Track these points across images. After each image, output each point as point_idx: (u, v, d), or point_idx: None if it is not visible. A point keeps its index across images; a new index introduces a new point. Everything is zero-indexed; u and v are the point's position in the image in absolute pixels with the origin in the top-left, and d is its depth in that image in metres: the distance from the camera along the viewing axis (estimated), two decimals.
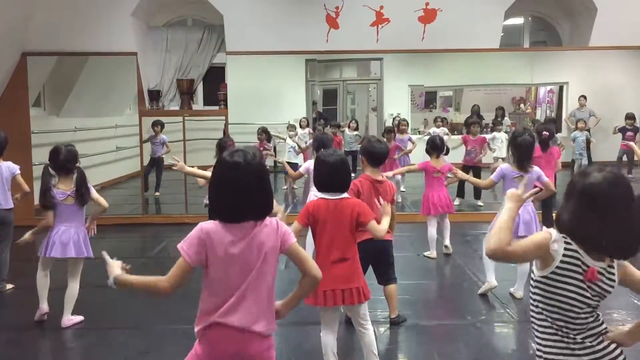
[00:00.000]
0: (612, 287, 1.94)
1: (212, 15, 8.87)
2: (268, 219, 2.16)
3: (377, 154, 3.90)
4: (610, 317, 4.38)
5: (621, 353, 1.97)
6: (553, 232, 1.95)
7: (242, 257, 2.10)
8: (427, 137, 6.75)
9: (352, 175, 4.18)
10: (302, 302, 4.15)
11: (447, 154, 6.41)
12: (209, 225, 2.11)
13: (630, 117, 9.26)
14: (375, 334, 4.05)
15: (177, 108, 8.85)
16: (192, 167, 4.92)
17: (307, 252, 5.67)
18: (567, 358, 1.95)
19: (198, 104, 10.01)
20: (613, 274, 1.95)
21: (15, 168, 5.10)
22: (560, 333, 1.96)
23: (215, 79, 9.32)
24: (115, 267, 2.18)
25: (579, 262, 1.90)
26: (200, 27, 9.20)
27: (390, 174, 4.90)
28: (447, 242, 6.14)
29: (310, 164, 5.46)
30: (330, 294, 3.14)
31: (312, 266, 2.22)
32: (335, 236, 3.15)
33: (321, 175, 3.24)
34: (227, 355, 2.10)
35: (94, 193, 4.43)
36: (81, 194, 4.28)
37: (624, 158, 9.63)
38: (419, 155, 9.36)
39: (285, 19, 8.53)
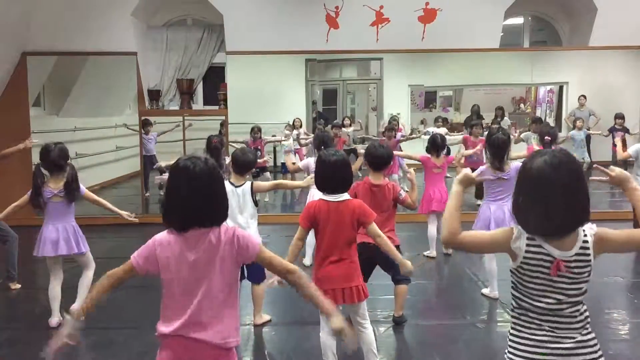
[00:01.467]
0: (587, 270, 1.89)
1: (212, 15, 8.87)
2: (224, 227, 2.10)
3: (378, 158, 3.91)
4: (610, 316, 4.39)
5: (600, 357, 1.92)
6: (516, 229, 1.94)
7: (193, 267, 2.05)
8: (427, 137, 6.73)
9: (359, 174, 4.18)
10: (302, 303, 4.16)
11: (448, 153, 6.39)
12: (161, 235, 2.10)
13: (619, 116, 9.26)
14: (375, 334, 4.06)
15: (177, 108, 8.85)
16: None
17: (307, 251, 5.69)
18: (533, 349, 1.93)
19: (198, 104, 10.01)
20: (586, 256, 1.89)
21: None
22: (531, 325, 1.94)
23: (215, 78, 9.32)
24: (67, 327, 2.28)
25: (543, 256, 1.88)
26: (200, 27, 9.20)
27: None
28: (448, 250, 6.09)
29: (309, 161, 5.46)
30: (330, 293, 3.13)
31: (285, 263, 2.18)
32: (336, 238, 3.15)
33: (322, 175, 3.24)
34: None
35: (89, 194, 4.44)
36: (70, 190, 4.28)
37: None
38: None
39: (285, 19, 8.53)
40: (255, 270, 4.03)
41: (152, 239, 2.11)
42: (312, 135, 9.27)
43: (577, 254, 1.88)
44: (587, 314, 1.95)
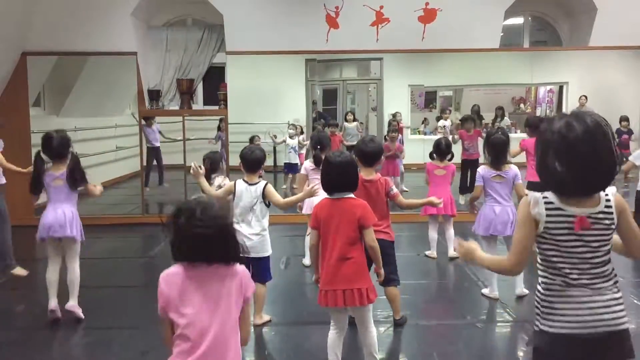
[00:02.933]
0: (612, 224, 1.92)
1: (212, 15, 8.87)
2: (235, 268, 2.10)
3: (369, 154, 3.89)
4: None
5: (623, 312, 1.94)
6: (528, 196, 1.97)
7: (200, 301, 2.05)
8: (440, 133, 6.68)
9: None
10: (302, 303, 4.14)
11: (451, 159, 6.34)
12: (170, 270, 2.10)
13: (624, 119, 9.27)
14: None
15: (177, 108, 8.85)
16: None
17: (307, 252, 5.68)
18: (560, 299, 1.95)
19: (198, 104, 10.01)
20: (610, 214, 1.92)
21: None
22: (558, 279, 1.96)
23: (215, 78, 9.32)
24: None
25: (565, 217, 1.91)
26: (200, 27, 9.20)
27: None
28: (452, 252, 6.04)
29: (305, 164, 5.49)
30: (331, 294, 3.12)
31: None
32: (338, 235, 3.13)
33: (328, 176, 3.23)
34: None
35: (89, 182, 4.42)
36: (73, 178, 4.27)
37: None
38: (418, 156, 9.37)
39: (285, 19, 8.53)
40: (260, 270, 4.04)
41: (160, 280, 2.12)
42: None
43: (600, 212, 1.91)
44: (615, 273, 1.98)
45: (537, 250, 2.02)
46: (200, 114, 9.11)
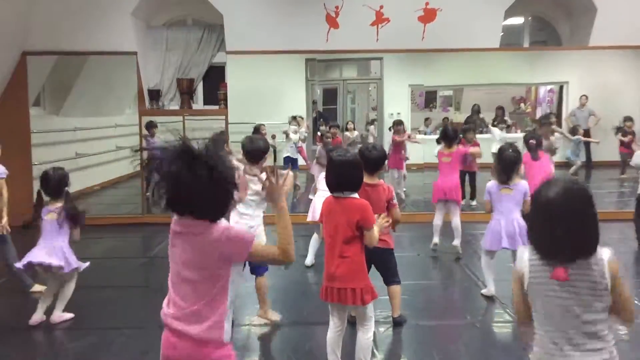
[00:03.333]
0: (604, 283, 1.89)
1: (212, 15, 8.87)
2: (221, 224, 2.03)
3: (371, 161, 3.88)
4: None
5: None
6: (517, 256, 2.06)
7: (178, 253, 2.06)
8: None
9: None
10: (302, 303, 4.14)
11: (459, 142, 6.47)
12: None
13: (629, 119, 9.29)
14: (375, 335, 4.06)
15: (177, 108, 8.85)
16: None
17: (310, 251, 5.70)
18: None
19: (198, 104, 10.00)
20: (597, 271, 1.90)
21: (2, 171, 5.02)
22: (545, 340, 1.97)
23: (215, 78, 9.32)
24: None
25: (546, 267, 1.94)
26: (200, 27, 9.20)
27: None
28: (456, 242, 6.07)
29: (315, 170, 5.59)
30: (329, 290, 3.16)
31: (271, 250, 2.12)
32: (337, 234, 3.14)
33: (331, 175, 3.22)
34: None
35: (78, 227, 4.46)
36: (69, 217, 4.32)
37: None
38: (418, 156, 9.38)
39: (285, 19, 8.53)
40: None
41: None
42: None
43: (583, 267, 1.90)
44: (611, 343, 1.94)
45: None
46: (200, 114, 9.10)
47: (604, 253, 1.93)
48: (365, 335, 3.26)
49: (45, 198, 4.42)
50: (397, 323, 4.24)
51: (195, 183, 1.94)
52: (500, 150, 4.96)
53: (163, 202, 2.01)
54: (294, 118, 9.58)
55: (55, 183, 4.32)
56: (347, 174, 3.18)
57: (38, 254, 4.26)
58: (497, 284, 4.83)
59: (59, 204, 4.35)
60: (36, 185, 5.10)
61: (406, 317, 4.30)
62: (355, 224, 3.12)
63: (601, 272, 1.90)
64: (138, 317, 4.53)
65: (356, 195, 3.21)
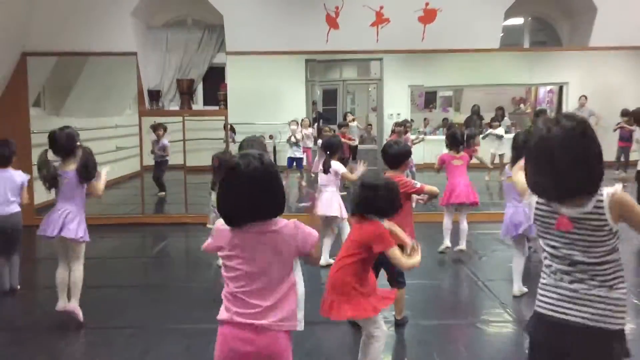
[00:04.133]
0: (605, 226, 1.89)
1: (212, 15, 8.87)
2: (286, 220, 2.21)
3: (391, 156, 3.91)
4: None
5: (608, 312, 1.91)
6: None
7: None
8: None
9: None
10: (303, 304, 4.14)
11: (468, 147, 6.43)
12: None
13: (624, 113, 9.32)
14: None
15: (177, 108, 8.85)
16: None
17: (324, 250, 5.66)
18: (544, 280, 2.02)
19: (198, 104, 10.00)
20: (600, 215, 1.89)
21: (25, 178, 5.08)
22: (550, 273, 2.00)
23: (215, 79, 9.32)
24: None
25: (550, 213, 1.96)
26: (200, 27, 9.20)
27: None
28: (462, 246, 6.05)
29: (337, 166, 5.49)
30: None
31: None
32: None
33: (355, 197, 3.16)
34: None
35: (100, 177, 4.40)
36: (86, 171, 4.20)
37: (622, 158, 9.68)
38: (418, 156, 9.37)
39: (285, 19, 8.53)
40: None
41: None
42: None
43: (588, 213, 1.89)
44: (617, 276, 1.96)
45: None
46: (200, 115, 9.10)
47: (605, 190, 1.90)
48: (374, 344, 3.20)
49: (55, 159, 4.26)
50: (400, 325, 4.24)
51: (272, 185, 2.17)
52: (519, 135, 4.86)
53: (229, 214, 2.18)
54: (296, 121, 9.59)
55: (65, 140, 4.21)
56: (370, 197, 3.11)
57: (51, 226, 4.16)
58: (497, 284, 4.83)
59: (72, 166, 4.21)
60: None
61: (407, 319, 4.30)
62: (363, 245, 3.05)
63: (602, 214, 1.88)
64: (138, 317, 4.53)
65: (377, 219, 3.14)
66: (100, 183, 4.41)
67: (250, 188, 2.11)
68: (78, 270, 4.30)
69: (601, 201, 1.88)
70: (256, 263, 2.15)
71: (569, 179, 1.85)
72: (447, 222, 6.13)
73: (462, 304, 4.88)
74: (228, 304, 2.19)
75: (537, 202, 2.00)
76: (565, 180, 1.85)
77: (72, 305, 4.29)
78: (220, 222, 2.21)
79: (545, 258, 2.02)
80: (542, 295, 2.02)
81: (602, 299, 1.91)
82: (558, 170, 1.84)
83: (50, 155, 4.29)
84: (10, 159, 5.08)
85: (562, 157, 1.83)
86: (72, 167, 4.23)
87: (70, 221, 4.21)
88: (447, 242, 6.11)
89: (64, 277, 4.31)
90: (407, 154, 4.13)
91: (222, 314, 2.20)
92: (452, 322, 4.47)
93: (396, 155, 3.95)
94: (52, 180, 4.21)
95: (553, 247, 1.98)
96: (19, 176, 5.03)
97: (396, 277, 4.09)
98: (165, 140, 9.18)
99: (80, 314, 4.30)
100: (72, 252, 4.31)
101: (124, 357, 3.85)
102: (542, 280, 2.04)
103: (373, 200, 3.10)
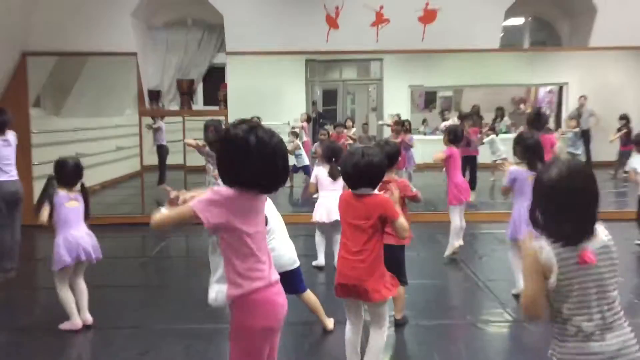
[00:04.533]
0: (616, 265, 1.91)
1: (212, 15, 8.87)
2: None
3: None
4: None
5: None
6: (535, 245, 1.91)
7: None
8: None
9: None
10: (302, 303, 4.14)
11: (468, 145, 6.32)
12: None
13: (623, 118, 9.35)
14: None
15: (177, 108, 8.85)
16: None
17: (319, 250, 5.64)
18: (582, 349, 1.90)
19: (198, 104, 10.01)
20: (611, 248, 1.92)
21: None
22: (578, 331, 1.91)
23: (215, 79, 9.33)
24: None
25: (573, 254, 1.88)
26: (200, 27, 9.20)
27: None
28: (460, 242, 5.98)
29: (317, 171, 5.54)
30: (344, 287, 3.12)
31: None
32: (355, 230, 3.09)
33: (351, 170, 3.12)
34: None
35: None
36: (86, 196, 4.28)
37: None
38: (418, 156, 9.37)
39: (285, 19, 8.53)
40: (291, 282, 3.80)
41: None
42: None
43: (603, 247, 1.90)
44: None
45: (555, 300, 1.94)
46: (200, 115, 9.09)
47: (599, 227, 1.93)
48: (379, 338, 3.19)
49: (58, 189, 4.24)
50: (399, 324, 4.23)
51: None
52: (521, 136, 4.83)
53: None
54: (294, 133, 9.58)
55: (72, 172, 4.20)
56: (366, 169, 3.08)
57: (88, 250, 4.21)
58: (497, 284, 4.83)
59: (75, 191, 4.23)
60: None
61: (407, 319, 4.30)
62: (376, 220, 3.06)
63: (613, 250, 1.92)
64: (138, 317, 4.53)
65: (375, 192, 3.16)
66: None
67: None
68: (82, 284, 4.35)
69: (609, 238, 1.95)
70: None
71: (594, 216, 1.92)
72: (459, 221, 5.92)
73: (462, 304, 4.88)
74: (257, 272, 2.20)
75: (556, 249, 1.91)
76: (593, 216, 1.92)
77: (87, 315, 4.28)
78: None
79: (574, 324, 1.94)
80: None
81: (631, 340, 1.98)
82: (587, 207, 1.91)
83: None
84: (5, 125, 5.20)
85: (590, 193, 1.91)
86: (75, 192, 4.25)
87: (94, 242, 4.31)
88: (460, 242, 5.95)
89: (69, 295, 4.25)
90: (397, 154, 4.10)
91: (258, 282, 2.21)
92: (452, 322, 4.47)
93: (390, 155, 3.92)
94: (42, 202, 4.23)
95: (584, 294, 1.94)
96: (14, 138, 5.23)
97: (399, 277, 4.09)
98: (162, 123, 9.17)
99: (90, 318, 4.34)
100: (81, 270, 4.34)
101: (123, 357, 3.85)
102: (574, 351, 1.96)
103: (371, 172, 3.09)
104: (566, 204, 1.87)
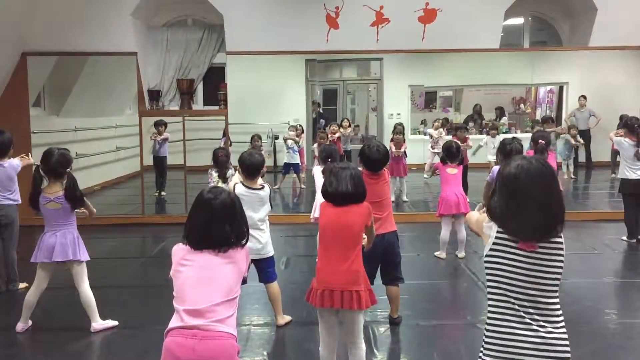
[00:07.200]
0: (559, 263, 1.90)
1: (212, 15, 8.88)
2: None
3: (372, 160, 3.89)
4: (610, 317, 4.38)
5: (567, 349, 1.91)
6: (488, 217, 1.98)
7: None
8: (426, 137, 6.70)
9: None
10: (302, 303, 4.15)
11: (461, 163, 6.26)
12: None
13: (622, 117, 9.32)
14: (375, 334, 4.06)
15: (177, 108, 8.85)
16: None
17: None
18: (508, 336, 1.92)
19: (198, 104, 10.01)
20: (559, 249, 1.91)
21: (19, 165, 5.17)
22: (507, 311, 1.93)
23: (215, 79, 9.33)
24: None
25: (510, 242, 1.91)
26: (200, 27, 9.21)
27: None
28: (462, 254, 5.99)
29: (315, 170, 5.55)
30: (326, 294, 3.04)
31: None
32: (338, 238, 3.05)
33: (339, 190, 3.06)
34: None
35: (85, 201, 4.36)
36: (72, 198, 4.17)
37: (618, 158, 9.70)
38: (418, 156, 9.38)
39: (285, 19, 8.53)
40: (268, 269, 4.12)
41: None
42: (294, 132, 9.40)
43: (548, 241, 1.89)
44: (560, 312, 1.94)
45: (487, 275, 2.00)
46: (200, 114, 9.11)
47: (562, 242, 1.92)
48: (358, 352, 3.10)
49: (44, 178, 4.23)
50: (395, 323, 4.24)
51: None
52: (504, 143, 5.01)
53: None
54: (295, 127, 9.58)
55: (56, 161, 4.15)
56: (353, 189, 3.04)
57: (56, 251, 4.13)
58: None
59: (58, 191, 4.15)
60: None
61: (401, 317, 4.30)
62: (361, 227, 3.05)
63: (561, 251, 1.91)
64: (138, 317, 4.53)
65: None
66: (90, 205, 4.36)
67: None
68: (85, 291, 4.24)
69: (560, 237, 1.94)
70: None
71: (548, 217, 1.92)
72: (444, 234, 5.97)
73: (462, 304, 4.87)
74: None
75: (498, 232, 1.97)
76: (546, 218, 1.92)
77: (94, 326, 4.23)
78: None
79: (500, 301, 1.99)
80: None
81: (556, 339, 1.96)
82: (541, 207, 1.89)
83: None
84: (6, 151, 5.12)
85: (547, 194, 1.90)
86: (54, 192, 4.17)
87: (71, 244, 4.20)
88: (443, 254, 5.99)
89: (34, 300, 4.25)
90: (388, 157, 4.09)
91: None
92: (452, 322, 4.47)
93: (379, 161, 3.92)
94: (34, 197, 4.20)
95: (512, 277, 1.98)
96: (9, 166, 5.11)
97: (395, 274, 4.09)
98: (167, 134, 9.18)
99: (107, 324, 4.29)
100: (76, 275, 4.24)
101: (124, 357, 3.85)
102: (496, 332, 1.98)
103: (359, 191, 3.07)
104: (514, 201, 1.87)
